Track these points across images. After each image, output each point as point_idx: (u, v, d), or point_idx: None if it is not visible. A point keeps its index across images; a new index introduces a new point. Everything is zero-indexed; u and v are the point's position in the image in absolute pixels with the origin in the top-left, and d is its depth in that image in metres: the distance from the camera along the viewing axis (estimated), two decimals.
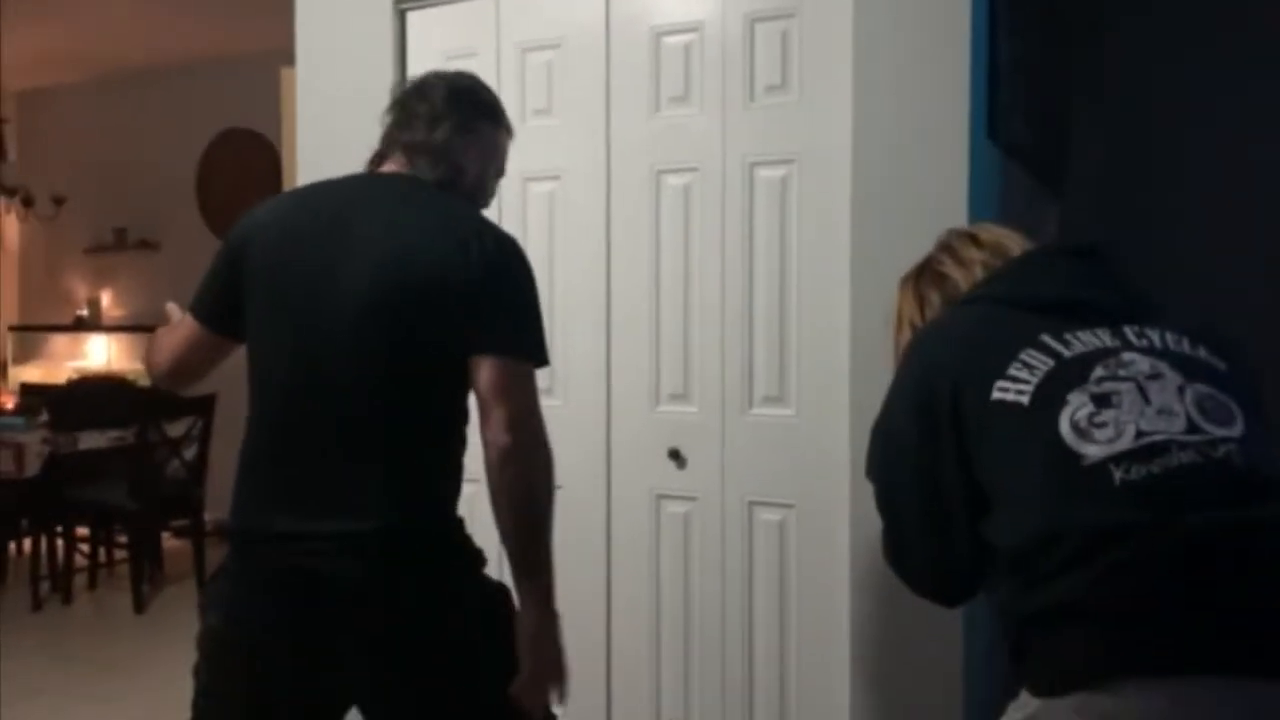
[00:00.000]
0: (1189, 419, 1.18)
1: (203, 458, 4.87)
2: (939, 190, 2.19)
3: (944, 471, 1.30)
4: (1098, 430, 1.18)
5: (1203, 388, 1.21)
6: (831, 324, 2.33)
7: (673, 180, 2.52)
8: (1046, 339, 1.27)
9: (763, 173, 2.42)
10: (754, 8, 2.40)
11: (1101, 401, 1.20)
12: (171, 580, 5.07)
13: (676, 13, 2.50)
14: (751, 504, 2.45)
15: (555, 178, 2.65)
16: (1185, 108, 3.10)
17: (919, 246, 2.20)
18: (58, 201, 5.90)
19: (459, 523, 1.62)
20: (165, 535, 5.13)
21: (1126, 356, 1.23)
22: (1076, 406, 1.21)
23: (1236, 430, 1.19)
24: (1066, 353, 1.26)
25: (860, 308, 2.27)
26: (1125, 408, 1.19)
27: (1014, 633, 1.22)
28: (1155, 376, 1.21)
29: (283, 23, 3.08)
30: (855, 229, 2.28)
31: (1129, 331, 1.28)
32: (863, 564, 2.28)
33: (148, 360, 1.79)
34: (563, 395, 2.66)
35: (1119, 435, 1.18)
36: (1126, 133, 3.19)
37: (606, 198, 2.59)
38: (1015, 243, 1.51)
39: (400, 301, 1.51)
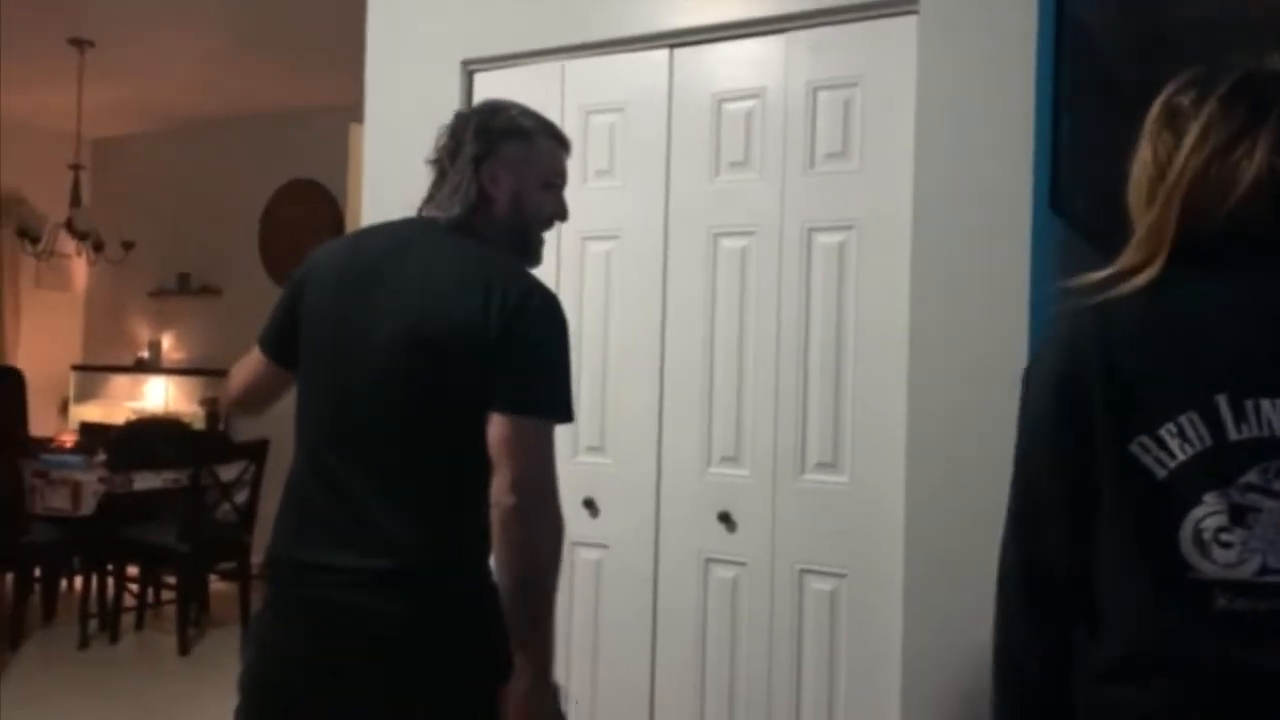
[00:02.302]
0: None
1: (253, 502, 4.92)
2: (1000, 261, 2.18)
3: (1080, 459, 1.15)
4: (1220, 549, 1.08)
5: None
6: (887, 392, 2.31)
7: (730, 244, 2.53)
8: (1220, 403, 1.09)
9: (821, 239, 2.42)
10: (816, 76, 2.43)
11: (1237, 515, 1.08)
12: (217, 624, 5.10)
13: (739, 79, 2.53)
14: (802, 571, 2.42)
15: (614, 237, 2.68)
16: None
17: (978, 317, 2.20)
18: (126, 246, 6.07)
19: (485, 570, 1.60)
20: (213, 578, 5.18)
21: None
22: (1209, 512, 1.09)
23: None
24: (1232, 434, 1.09)
25: (917, 377, 2.25)
26: (1259, 531, 1.07)
27: (1081, 691, 1.18)
28: None
29: (352, 78, 3.18)
30: (914, 297, 2.27)
31: None
32: (915, 638, 2.23)
33: (226, 385, 1.89)
34: (614, 454, 2.66)
35: (1240, 563, 1.08)
36: None
37: (664, 259, 2.61)
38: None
39: (422, 352, 1.53)
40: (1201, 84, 1.19)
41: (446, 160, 1.68)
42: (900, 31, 2.31)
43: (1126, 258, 1.19)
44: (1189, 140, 1.17)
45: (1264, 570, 1.07)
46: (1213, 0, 3.14)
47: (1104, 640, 1.15)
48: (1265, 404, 1.08)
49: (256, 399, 1.83)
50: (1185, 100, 1.20)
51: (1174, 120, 1.20)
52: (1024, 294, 2.15)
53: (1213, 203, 1.13)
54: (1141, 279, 1.16)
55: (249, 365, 1.80)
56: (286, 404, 1.77)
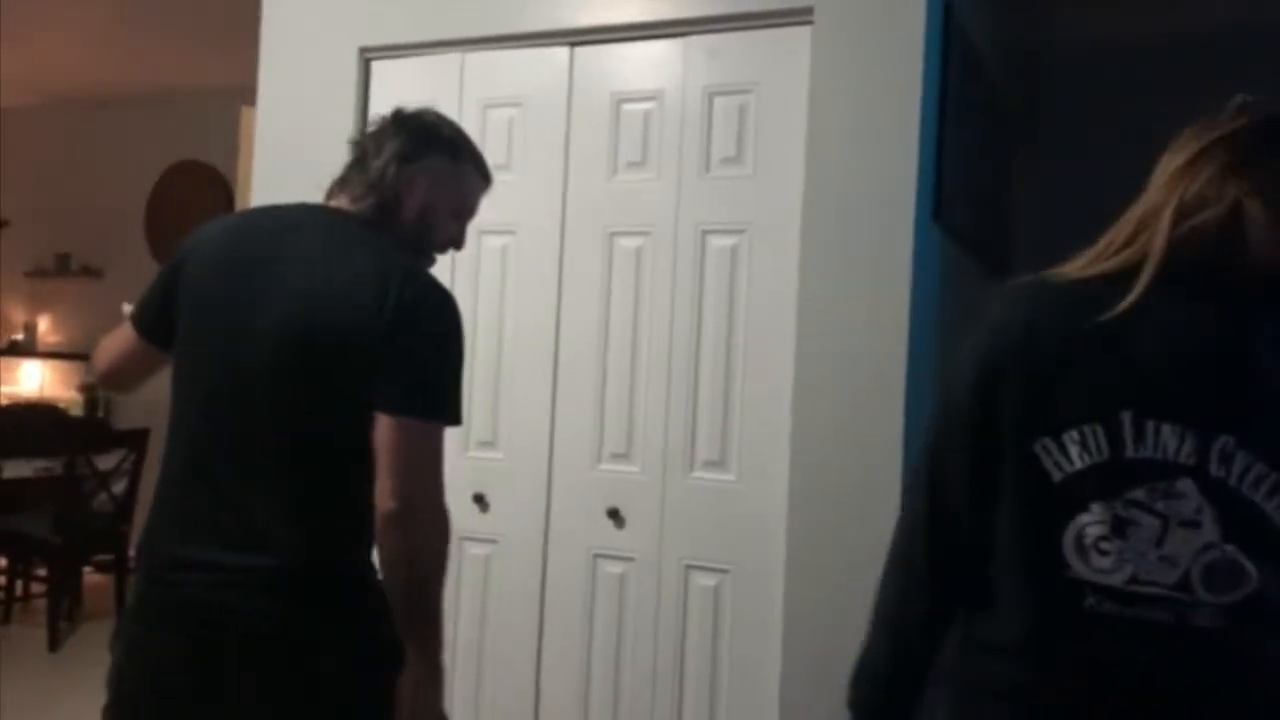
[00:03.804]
0: (1186, 577, 1.12)
1: (132, 493, 4.76)
2: (883, 267, 2.26)
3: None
4: (1097, 556, 1.15)
5: (1231, 551, 1.12)
6: (774, 392, 2.37)
7: (625, 243, 2.56)
8: (1125, 420, 1.14)
9: (714, 241, 2.46)
10: (713, 81, 2.47)
11: (1118, 527, 1.14)
12: (90, 617, 4.91)
13: (638, 81, 2.56)
14: (688, 567, 2.46)
15: (511, 232, 2.68)
16: (1126, 193, 3.22)
17: (862, 321, 2.27)
18: (0, 224, 5.81)
19: (368, 567, 1.58)
20: (87, 570, 4.99)
21: (1181, 486, 1.13)
22: (1093, 521, 1.15)
23: (1231, 598, 1.12)
24: (1129, 452, 1.14)
25: (803, 377, 2.32)
26: (1134, 544, 1.14)
27: (962, 659, 1.27)
28: (1190, 524, 1.13)
29: (245, 61, 3.10)
30: (801, 300, 2.33)
31: (1217, 448, 1.13)
32: (795, 632, 2.30)
33: (93, 358, 1.81)
34: (505, 449, 2.66)
35: (1113, 571, 1.14)
36: (1065, 216, 3.30)
37: (560, 256, 2.62)
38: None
39: (311, 344, 1.49)
40: (1229, 112, 1.23)
41: (371, 147, 1.64)
42: (795, 41, 2.37)
43: (1091, 255, 1.23)
44: (1166, 168, 1.22)
45: (1133, 580, 1.14)
46: (1093, 22, 3.29)
47: (988, 617, 1.22)
48: (1165, 428, 1.13)
49: (124, 377, 1.77)
50: (1182, 136, 1.24)
51: (1189, 136, 1.23)
52: (905, 299, 2.23)
53: (1169, 227, 1.17)
54: (1086, 275, 1.21)
55: (118, 341, 1.73)
56: (167, 389, 1.72)
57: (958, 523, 1.25)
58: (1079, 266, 1.23)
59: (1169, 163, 1.22)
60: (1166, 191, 1.20)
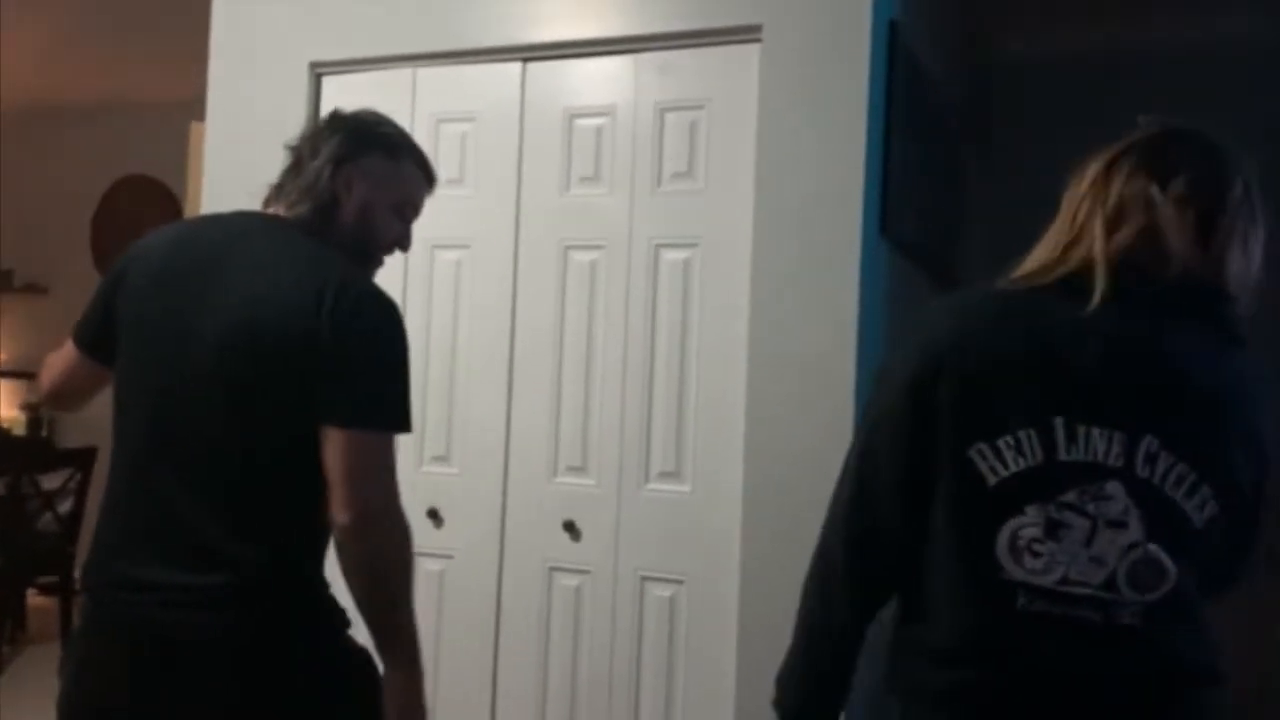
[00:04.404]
0: (1111, 577, 1.17)
1: (78, 513, 4.67)
2: (833, 280, 2.29)
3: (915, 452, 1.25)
4: (1030, 558, 1.18)
5: (1153, 550, 1.18)
6: (728, 404, 2.39)
7: (580, 256, 2.57)
8: (1057, 425, 1.19)
9: (667, 255, 2.49)
10: (665, 97, 2.50)
11: (1051, 530, 1.18)
12: (35, 641, 4.81)
13: (590, 96, 2.58)
14: (644, 578, 2.47)
15: (465, 246, 2.69)
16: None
17: (813, 332, 2.31)
18: None
19: (320, 582, 1.57)
20: (32, 592, 4.88)
21: (1110, 488, 1.18)
22: (1026, 524, 1.19)
23: (1153, 596, 1.18)
24: (1062, 455, 1.19)
25: (756, 389, 2.34)
26: (1065, 545, 1.18)
27: (890, 665, 1.31)
28: (1117, 525, 1.18)
29: (194, 74, 3.07)
30: (753, 313, 2.36)
31: (1144, 449, 1.18)
32: (750, 641, 2.31)
33: (39, 377, 1.78)
34: (460, 464, 2.66)
35: (1045, 571, 1.18)
36: (1011, 228, 3.37)
37: (514, 270, 2.63)
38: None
39: (254, 358, 1.47)
40: (1141, 126, 1.30)
41: (306, 150, 1.62)
42: (744, 58, 2.41)
43: (1025, 265, 1.28)
44: (1086, 182, 1.27)
45: (1064, 581, 1.18)
46: (1030, 40, 3.38)
47: (924, 623, 1.26)
48: (1095, 432, 1.18)
49: (69, 395, 1.74)
50: (1097, 158, 1.29)
51: (1106, 150, 1.29)
52: (854, 311, 2.27)
53: (1102, 228, 1.23)
54: (1020, 286, 1.26)
55: (62, 359, 1.71)
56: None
57: (883, 531, 1.28)
58: (1017, 279, 1.27)
59: (1081, 182, 1.28)
60: (1090, 204, 1.25)
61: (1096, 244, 1.22)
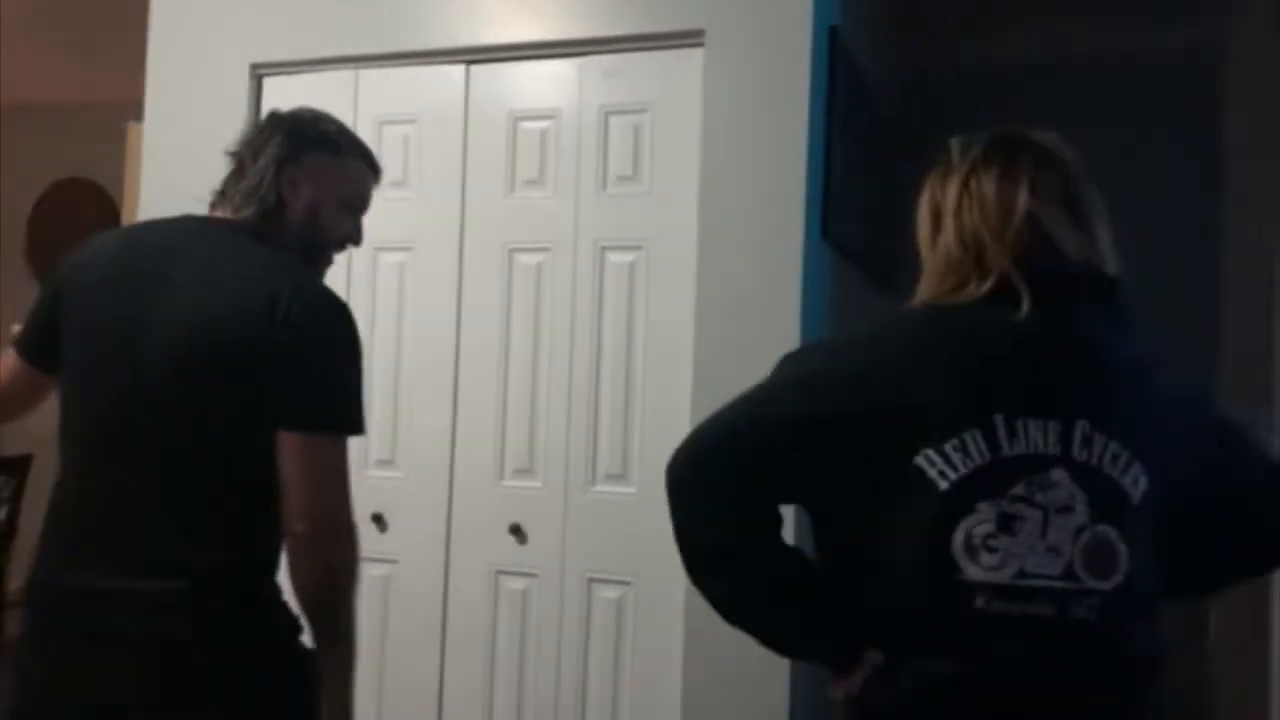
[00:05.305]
0: (1069, 565, 1.20)
1: (12, 522, 4.56)
2: (775, 282, 2.32)
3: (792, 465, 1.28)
4: (986, 554, 1.20)
5: (1101, 531, 1.22)
6: (674, 404, 2.41)
7: (525, 259, 2.58)
8: (998, 422, 1.23)
9: (613, 257, 2.50)
10: (609, 101, 2.51)
11: (1004, 524, 1.21)
12: None
13: (534, 99, 2.58)
14: (591, 580, 2.48)
15: (408, 249, 2.67)
16: None
17: (757, 334, 2.33)
18: None
19: (274, 586, 1.56)
20: None
21: (1055, 476, 1.22)
22: (979, 520, 1.21)
23: (1109, 584, 1.21)
24: (1006, 450, 1.22)
25: (701, 389, 2.36)
26: (1021, 538, 1.21)
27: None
28: (1065, 510, 1.21)
29: (132, 75, 3.02)
30: (698, 314, 2.38)
31: (1079, 433, 1.23)
32: (697, 642, 2.33)
33: None
34: (405, 467, 2.64)
35: (1001, 567, 1.20)
36: None
37: (459, 272, 2.63)
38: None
39: (203, 363, 1.46)
40: (964, 142, 1.35)
41: (247, 154, 1.60)
42: (687, 62, 2.43)
43: (931, 286, 1.32)
44: (956, 185, 1.31)
45: (1021, 575, 1.20)
46: (976, 45, 3.44)
47: (883, 627, 1.26)
48: (1032, 424, 1.22)
49: (11, 405, 1.71)
50: (955, 153, 1.35)
51: (946, 170, 1.35)
52: (796, 313, 2.30)
53: (994, 238, 1.27)
54: (944, 303, 1.29)
55: (3, 367, 1.68)
56: (52, 416, 1.67)
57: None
58: (935, 294, 1.31)
59: (942, 204, 1.33)
60: (971, 220, 1.30)
61: (1001, 256, 1.26)
